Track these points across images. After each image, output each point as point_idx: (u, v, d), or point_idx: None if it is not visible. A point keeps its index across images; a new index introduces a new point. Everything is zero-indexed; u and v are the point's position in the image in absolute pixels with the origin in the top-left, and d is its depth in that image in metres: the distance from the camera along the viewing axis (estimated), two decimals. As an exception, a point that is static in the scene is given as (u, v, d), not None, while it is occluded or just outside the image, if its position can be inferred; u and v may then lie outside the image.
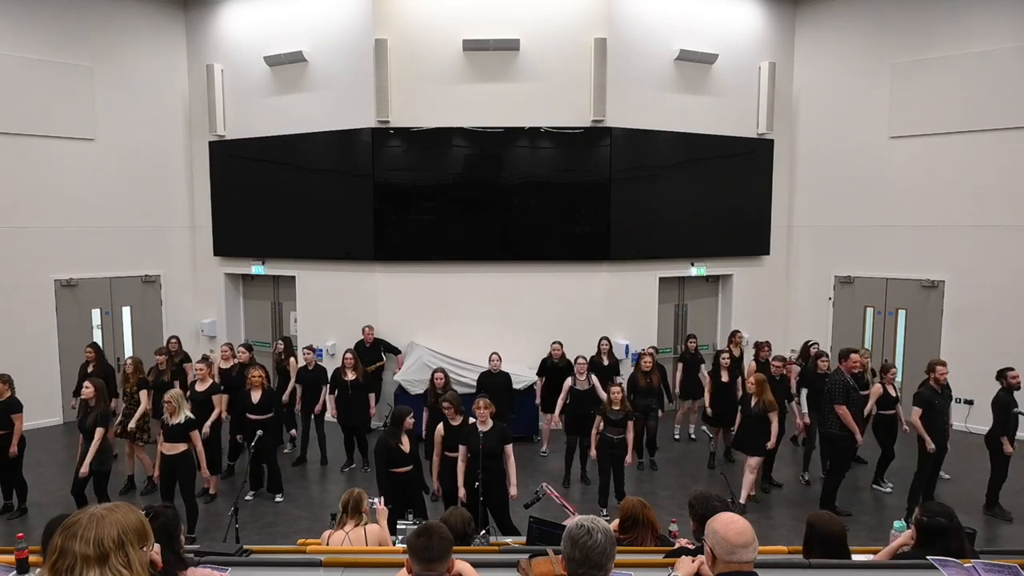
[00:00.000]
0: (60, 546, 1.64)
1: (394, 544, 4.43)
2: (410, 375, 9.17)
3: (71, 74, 10.03)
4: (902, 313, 10.41)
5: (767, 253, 11.09)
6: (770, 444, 7.06)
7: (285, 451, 8.83)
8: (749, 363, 8.89)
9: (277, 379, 8.92)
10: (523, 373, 9.06)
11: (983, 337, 9.48)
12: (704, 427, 7.94)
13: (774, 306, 11.28)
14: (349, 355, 8.30)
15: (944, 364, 6.96)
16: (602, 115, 9.50)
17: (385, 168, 9.65)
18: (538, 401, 8.95)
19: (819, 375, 7.83)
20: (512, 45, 9.37)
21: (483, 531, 4.85)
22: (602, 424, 6.99)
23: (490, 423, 5.89)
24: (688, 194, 10.24)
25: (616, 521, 4.26)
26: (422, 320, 9.77)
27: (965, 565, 3.15)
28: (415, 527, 3.11)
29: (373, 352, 9.38)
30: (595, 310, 9.89)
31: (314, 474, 8.31)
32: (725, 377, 8.35)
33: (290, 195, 10.25)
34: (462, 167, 9.75)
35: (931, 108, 9.88)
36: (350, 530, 4.34)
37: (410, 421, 5.96)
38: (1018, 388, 6.85)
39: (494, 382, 8.18)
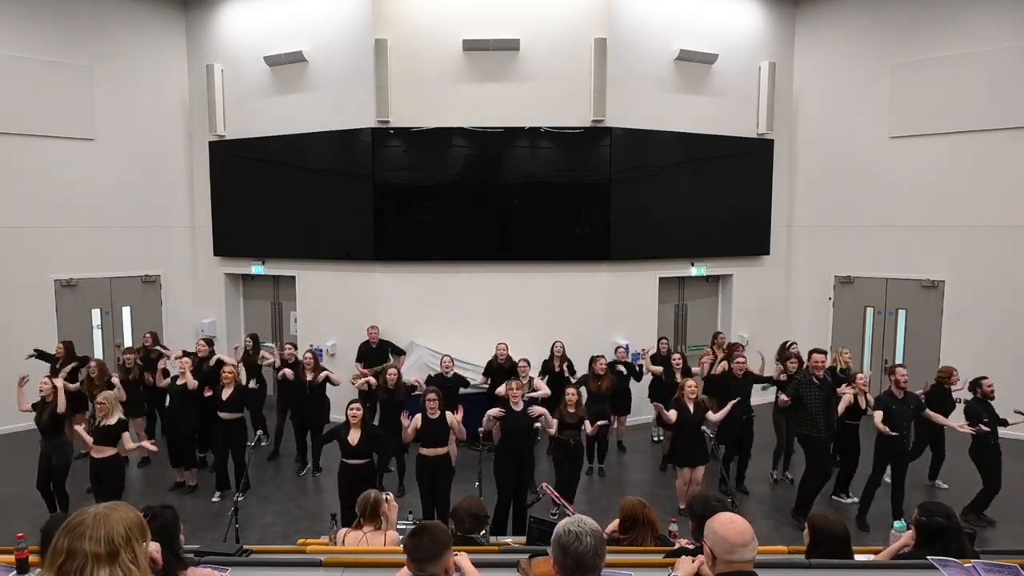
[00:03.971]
0: (67, 547, 1.65)
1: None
2: (410, 375, 9.15)
3: (71, 74, 10.02)
4: (902, 313, 10.41)
5: (767, 253, 11.08)
6: (714, 416, 6.88)
7: (263, 445, 8.72)
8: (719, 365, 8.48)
9: (245, 376, 8.85)
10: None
11: (983, 337, 9.48)
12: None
13: (774, 306, 11.27)
14: (309, 355, 8.28)
15: (903, 367, 6.83)
16: (602, 115, 9.50)
17: (385, 168, 9.64)
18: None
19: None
20: (512, 45, 9.37)
21: (482, 531, 4.85)
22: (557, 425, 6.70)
23: (521, 404, 6.36)
24: (688, 194, 10.23)
25: (616, 521, 4.26)
26: (422, 320, 9.76)
27: (965, 565, 3.15)
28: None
29: (379, 353, 9.33)
30: (595, 310, 9.89)
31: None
32: (679, 378, 8.02)
33: (290, 195, 10.25)
34: (462, 167, 9.74)
35: (931, 108, 9.88)
36: (368, 531, 4.25)
37: (355, 412, 6.06)
38: (992, 398, 6.82)
39: (445, 384, 7.84)
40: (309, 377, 8.14)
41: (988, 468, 6.75)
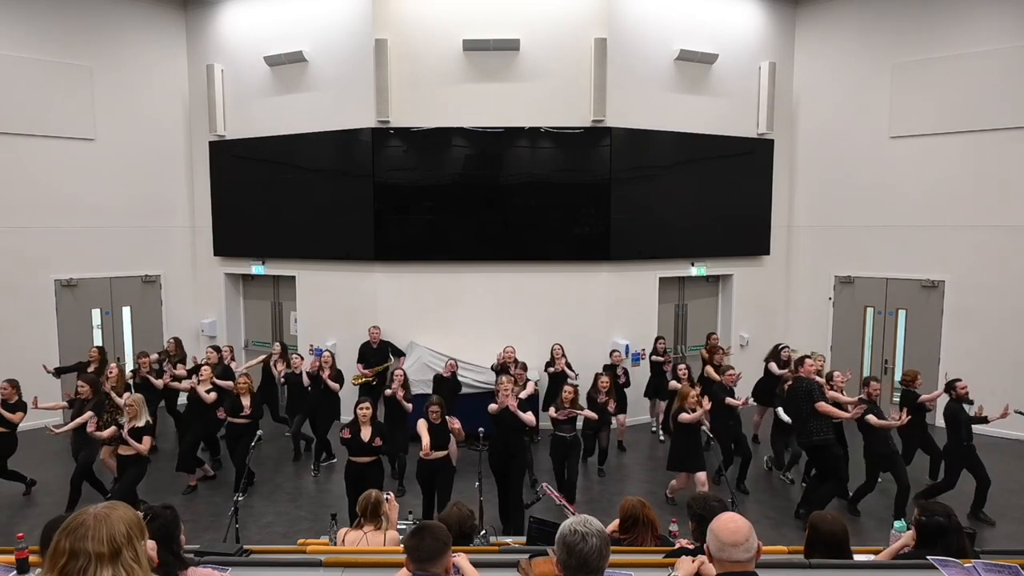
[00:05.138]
0: (69, 548, 1.65)
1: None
2: (410, 375, 9.14)
3: (71, 74, 10.02)
4: (902, 313, 10.40)
5: (767, 253, 11.08)
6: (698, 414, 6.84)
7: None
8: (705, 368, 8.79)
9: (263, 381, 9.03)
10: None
11: (983, 337, 9.47)
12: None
13: (774, 306, 11.27)
14: (327, 354, 8.49)
15: (877, 380, 7.09)
16: (602, 115, 9.49)
17: (385, 168, 9.64)
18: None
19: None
20: (512, 45, 9.37)
21: (482, 531, 4.85)
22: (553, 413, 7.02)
23: (512, 398, 6.45)
24: (688, 194, 10.23)
25: (616, 521, 4.26)
26: (422, 320, 9.76)
27: (965, 565, 3.15)
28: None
29: (380, 353, 9.38)
30: (595, 310, 9.88)
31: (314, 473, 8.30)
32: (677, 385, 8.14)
33: (290, 195, 10.25)
34: (462, 167, 9.74)
35: (931, 108, 9.87)
36: (369, 531, 4.29)
37: (365, 411, 6.18)
38: (967, 400, 6.87)
39: (446, 384, 8.30)
40: (327, 373, 8.25)
41: (973, 468, 6.80)
